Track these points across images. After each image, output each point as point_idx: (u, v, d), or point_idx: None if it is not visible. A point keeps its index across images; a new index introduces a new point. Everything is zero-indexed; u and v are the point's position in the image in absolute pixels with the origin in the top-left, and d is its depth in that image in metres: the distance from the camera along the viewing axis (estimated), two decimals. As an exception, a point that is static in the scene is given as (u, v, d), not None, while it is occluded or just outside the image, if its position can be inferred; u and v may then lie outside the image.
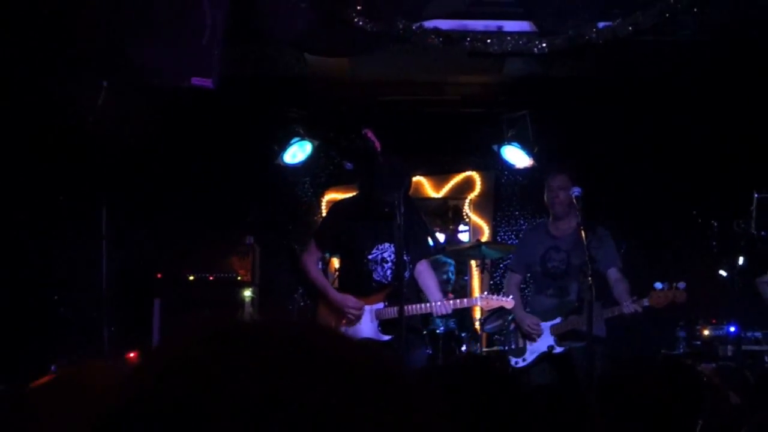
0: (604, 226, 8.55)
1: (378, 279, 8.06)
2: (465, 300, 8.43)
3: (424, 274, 8.22)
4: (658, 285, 8.11)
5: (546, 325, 8.56)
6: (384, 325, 7.97)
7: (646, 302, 8.16)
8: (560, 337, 8.50)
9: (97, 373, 2.26)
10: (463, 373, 1.89)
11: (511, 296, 8.39)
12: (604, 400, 3.58)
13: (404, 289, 7.66)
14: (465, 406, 1.79)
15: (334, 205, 9.00)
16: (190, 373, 1.02)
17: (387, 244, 8.01)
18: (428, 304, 7.93)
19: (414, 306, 7.89)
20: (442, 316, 8.92)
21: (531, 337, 8.61)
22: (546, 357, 8.50)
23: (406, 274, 7.96)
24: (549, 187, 8.65)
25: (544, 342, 8.55)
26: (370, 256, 8.03)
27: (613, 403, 3.57)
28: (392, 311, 7.87)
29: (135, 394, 1.04)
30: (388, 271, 8.06)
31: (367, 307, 8.03)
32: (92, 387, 2.18)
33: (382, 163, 7.73)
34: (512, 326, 8.86)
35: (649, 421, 3.57)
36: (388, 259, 8.05)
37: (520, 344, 8.71)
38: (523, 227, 11.75)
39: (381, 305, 8.03)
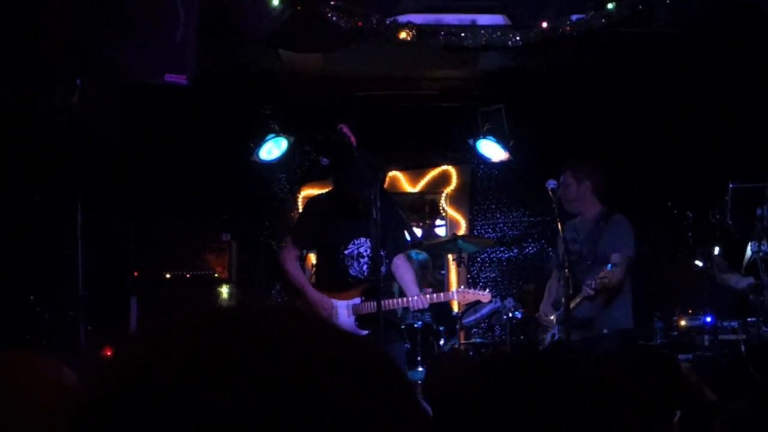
0: (623, 213, 8.47)
1: (354, 274, 8.09)
2: (442, 294, 8.45)
3: (401, 268, 8.24)
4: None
5: (555, 314, 8.54)
6: (361, 320, 8.00)
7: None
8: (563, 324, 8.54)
9: (22, 365, 2.26)
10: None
11: (487, 290, 8.41)
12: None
13: (381, 284, 7.70)
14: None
15: (309, 201, 9.03)
16: (175, 359, 1.02)
17: (363, 239, 8.04)
18: (405, 299, 7.95)
19: (391, 300, 7.91)
20: (419, 310, 8.94)
21: (546, 326, 8.63)
22: (553, 346, 8.52)
23: (383, 268, 8.00)
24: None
25: (552, 331, 8.56)
26: (346, 252, 8.06)
27: (593, 394, 3.58)
28: (369, 306, 7.93)
29: (118, 379, 1.03)
30: (365, 266, 8.09)
31: (344, 303, 8.05)
32: (17, 378, 2.18)
33: (357, 159, 7.74)
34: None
35: (629, 410, 3.57)
36: (365, 254, 8.08)
37: (540, 338, 8.74)
38: (500, 221, 11.80)
39: (358, 300, 8.06)
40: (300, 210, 9.57)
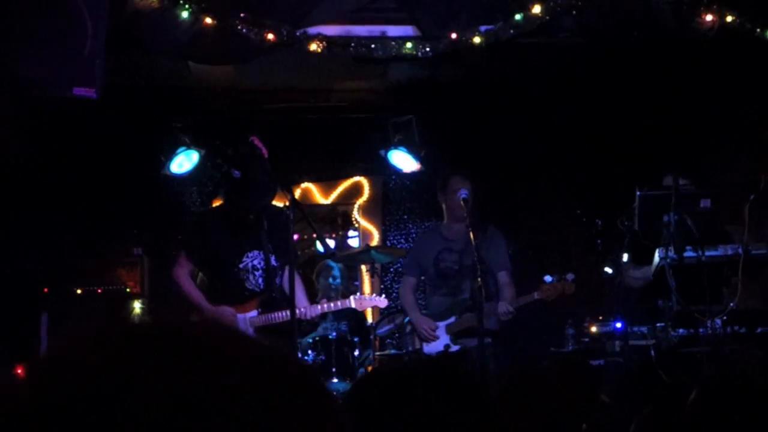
0: (495, 226, 8.66)
1: (250, 288, 8.17)
2: (339, 302, 8.55)
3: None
4: (548, 278, 8.42)
5: (441, 325, 8.70)
6: (258, 332, 8.05)
7: (536, 295, 8.41)
8: (455, 335, 8.64)
9: None
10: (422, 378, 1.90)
11: (383, 296, 8.53)
12: (503, 399, 3.62)
13: (274, 295, 8.03)
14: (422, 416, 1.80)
15: (198, 217, 9.08)
16: (87, 377, 1.01)
17: (256, 252, 8.15)
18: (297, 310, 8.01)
19: (280, 313, 8.01)
20: (336, 320, 9.05)
21: (426, 339, 8.72)
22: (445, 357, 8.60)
23: (278, 280, 8.17)
24: (455, 189, 8.73)
25: (441, 342, 8.68)
26: (240, 265, 8.13)
27: (512, 401, 3.62)
28: (266, 318, 8.07)
29: (31, 399, 1.03)
30: (260, 279, 8.19)
31: (242, 316, 8.07)
32: None
33: (268, 170, 7.80)
34: (408, 329, 8.96)
35: (546, 416, 3.62)
36: (258, 266, 8.17)
37: (417, 346, 8.82)
38: (412, 231, 11.84)
39: (255, 313, 8.16)
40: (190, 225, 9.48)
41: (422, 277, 9.23)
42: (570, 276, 8.54)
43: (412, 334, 8.91)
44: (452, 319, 8.69)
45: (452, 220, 8.94)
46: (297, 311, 7.86)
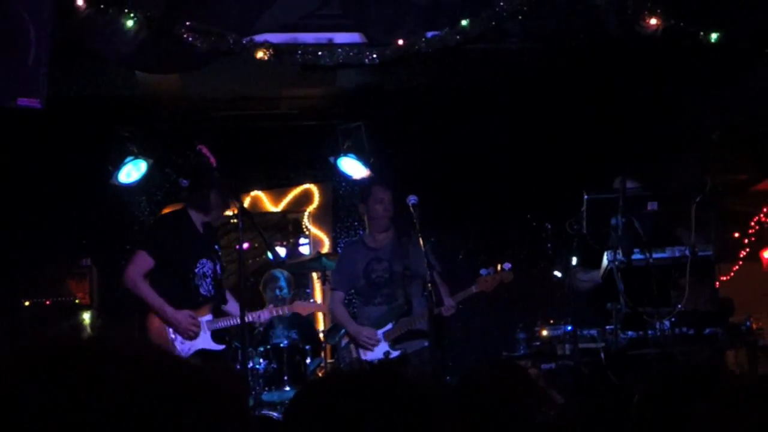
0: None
1: (204, 293, 8.31)
2: (286, 308, 8.79)
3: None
4: (484, 271, 8.50)
5: (379, 333, 8.72)
6: (215, 335, 8.29)
7: (474, 288, 8.50)
8: (394, 341, 8.69)
9: None
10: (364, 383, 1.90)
11: (320, 300, 8.65)
12: (451, 403, 3.63)
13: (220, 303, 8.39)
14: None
15: (163, 217, 9.18)
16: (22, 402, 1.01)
17: (205, 260, 8.30)
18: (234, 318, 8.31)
19: (234, 319, 8.28)
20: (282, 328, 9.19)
21: (367, 347, 8.74)
22: (386, 363, 8.61)
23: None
24: (378, 199, 8.82)
25: (380, 349, 8.71)
26: (196, 270, 8.20)
27: (461, 405, 3.64)
28: (223, 323, 8.34)
29: None
30: (210, 286, 8.34)
31: (201, 319, 8.18)
32: None
33: (216, 179, 7.90)
34: (344, 341, 8.98)
35: (490, 422, 3.64)
36: (208, 273, 8.34)
37: (354, 355, 8.82)
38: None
39: (210, 317, 8.30)
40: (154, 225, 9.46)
41: (351, 290, 9.26)
42: (507, 265, 8.63)
43: (347, 347, 8.93)
44: (389, 326, 8.74)
45: (376, 230, 8.99)
46: (247, 317, 7.90)
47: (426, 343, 8.45)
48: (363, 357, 8.76)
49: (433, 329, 7.95)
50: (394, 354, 8.64)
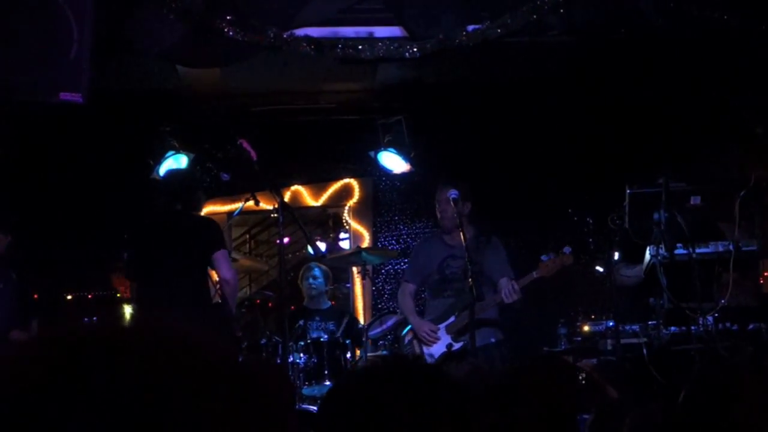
0: (497, 235, 8.68)
1: None
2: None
3: None
4: (545, 257, 8.42)
5: (442, 326, 8.73)
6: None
7: (535, 274, 8.45)
8: (457, 333, 8.67)
9: None
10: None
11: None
12: (493, 403, 3.61)
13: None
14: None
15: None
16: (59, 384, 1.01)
17: None
18: None
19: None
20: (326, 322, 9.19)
21: (427, 342, 8.74)
22: (448, 356, 8.60)
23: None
24: (437, 200, 8.84)
25: (443, 342, 8.70)
26: None
27: (500, 405, 3.60)
28: None
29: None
30: None
31: None
32: None
33: (257, 173, 7.91)
34: (408, 338, 8.99)
35: (534, 419, 3.60)
36: None
37: (417, 351, 8.82)
38: (403, 232, 11.83)
39: None
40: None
41: (423, 285, 9.26)
42: (567, 249, 8.56)
43: (410, 343, 8.95)
44: (452, 319, 8.74)
45: (443, 230, 8.99)
46: None
47: (493, 339, 8.55)
48: (426, 350, 8.77)
49: (472, 326, 7.95)
50: (457, 346, 8.62)
